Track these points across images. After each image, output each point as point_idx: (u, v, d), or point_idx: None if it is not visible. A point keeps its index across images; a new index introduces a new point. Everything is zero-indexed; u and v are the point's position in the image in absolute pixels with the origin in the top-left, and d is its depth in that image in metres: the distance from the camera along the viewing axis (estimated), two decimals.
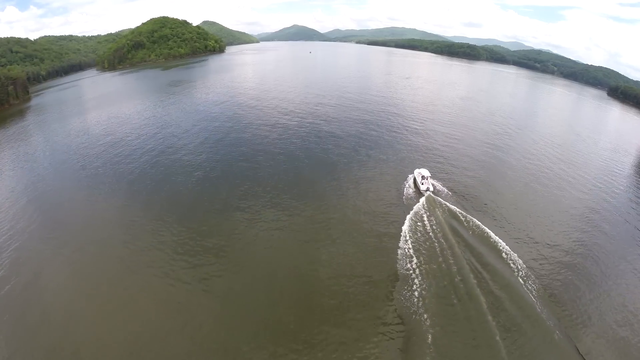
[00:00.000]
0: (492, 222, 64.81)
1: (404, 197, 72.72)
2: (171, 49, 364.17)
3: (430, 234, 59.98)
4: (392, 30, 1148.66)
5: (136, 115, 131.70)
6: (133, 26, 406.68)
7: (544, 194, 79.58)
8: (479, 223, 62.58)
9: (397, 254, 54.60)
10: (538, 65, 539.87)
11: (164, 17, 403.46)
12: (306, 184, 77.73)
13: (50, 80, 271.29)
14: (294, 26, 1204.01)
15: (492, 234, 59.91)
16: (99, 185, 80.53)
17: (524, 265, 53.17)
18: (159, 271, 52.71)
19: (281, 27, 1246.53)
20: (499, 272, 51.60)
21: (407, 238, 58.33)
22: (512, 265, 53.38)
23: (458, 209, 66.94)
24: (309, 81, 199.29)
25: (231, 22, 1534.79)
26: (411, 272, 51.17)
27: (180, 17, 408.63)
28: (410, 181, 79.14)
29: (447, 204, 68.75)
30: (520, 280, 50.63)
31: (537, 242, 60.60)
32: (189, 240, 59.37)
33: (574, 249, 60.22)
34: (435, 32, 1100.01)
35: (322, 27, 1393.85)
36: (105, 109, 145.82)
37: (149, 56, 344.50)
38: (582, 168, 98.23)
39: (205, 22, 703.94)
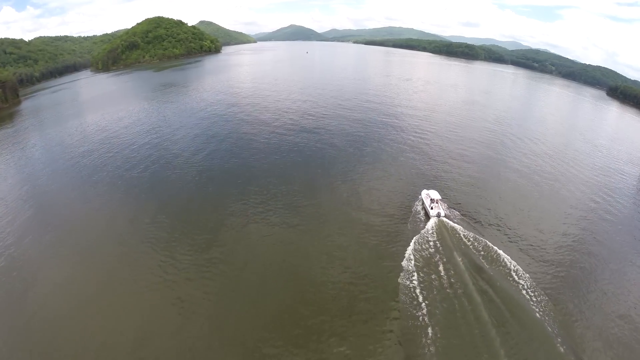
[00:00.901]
0: (505, 243, 60.75)
1: (409, 220, 66.13)
2: (166, 49, 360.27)
3: (437, 256, 56.20)
4: (390, 30, 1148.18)
5: (127, 120, 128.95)
6: (130, 26, 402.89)
7: (560, 215, 72.39)
8: (492, 245, 58.15)
9: (400, 274, 51.56)
10: (536, 64, 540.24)
11: (158, 17, 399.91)
12: (304, 191, 75.26)
13: (44, 82, 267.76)
14: (292, 26, 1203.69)
15: (505, 257, 55.92)
16: (94, 186, 79.97)
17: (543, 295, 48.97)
18: (157, 271, 52.65)
19: (279, 27, 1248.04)
20: (510, 295, 48.79)
21: (412, 258, 55.19)
22: (527, 293, 49.39)
23: (469, 232, 61.81)
24: (305, 85, 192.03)
25: (228, 22, 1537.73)
26: (414, 290, 49.34)
27: (178, 17, 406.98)
28: (419, 206, 70.89)
29: (458, 227, 62.97)
30: (535, 308, 47.02)
31: (553, 264, 56.77)
32: (187, 240, 59.38)
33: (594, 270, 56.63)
34: (432, 32, 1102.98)
35: (320, 27, 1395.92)
36: (93, 113, 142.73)
37: (143, 57, 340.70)
38: (604, 188, 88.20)
39: (202, 22, 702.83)
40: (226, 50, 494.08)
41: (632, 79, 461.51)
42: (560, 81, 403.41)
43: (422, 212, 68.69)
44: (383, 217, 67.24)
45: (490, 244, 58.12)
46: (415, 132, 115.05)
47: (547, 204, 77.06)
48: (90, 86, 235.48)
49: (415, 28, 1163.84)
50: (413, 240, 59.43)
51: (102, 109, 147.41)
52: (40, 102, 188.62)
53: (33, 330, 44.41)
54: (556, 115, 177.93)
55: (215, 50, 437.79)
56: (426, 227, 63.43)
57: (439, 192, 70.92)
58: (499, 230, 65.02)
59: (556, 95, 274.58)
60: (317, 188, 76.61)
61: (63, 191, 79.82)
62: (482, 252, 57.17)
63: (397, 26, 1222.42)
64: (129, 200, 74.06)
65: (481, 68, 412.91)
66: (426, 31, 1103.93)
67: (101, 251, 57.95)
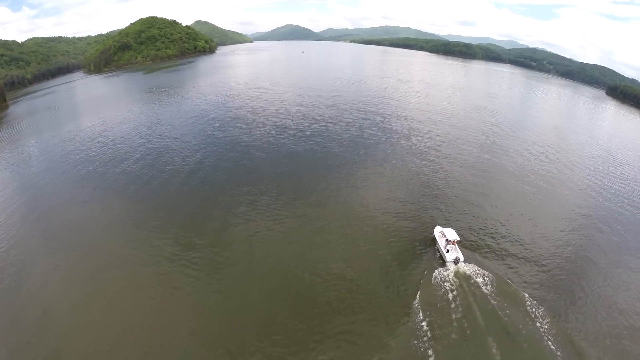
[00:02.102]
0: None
1: (420, 261, 56.23)
2: (159, 50, 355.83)
3: (452, 307, 48.16)
4: (386, 29, 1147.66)
5: (115, 124, 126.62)
6: (125, 27, 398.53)
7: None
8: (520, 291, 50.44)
9: (407, 320, 45.67)
10: (534, 63, 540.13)
11: (152, 17, 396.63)
12: (299, 207, 70.87)
13: (36, 84, 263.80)
14: (288, 25, 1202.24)
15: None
16: (91, 189, 79.30)
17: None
18: (155, 273, 52.55)
19: (275, 27, 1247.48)
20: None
21: (419, 310, 47.33)
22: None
23: (491, 275, 53.09)
24: (299, 88, 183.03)
25: (225, 21, 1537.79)
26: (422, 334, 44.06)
27: (174, 17, 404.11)
28: (433, 247, 59.49)
29: (480, 271, 53.66)
30: None
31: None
32: (184, 243, 59.05)
33: None
34: (429, 31, 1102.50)
35: (316, 27, 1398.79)
36: (76, 120, 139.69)
37: (136, 58, 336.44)
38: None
39: (197, 22, 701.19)
40: (221, 50, 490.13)
41: (630, 77, 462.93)
42: (560, 80, 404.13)
43: (435, 253, 58.34)
44: (389, 252, 57.98)
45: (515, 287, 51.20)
46: (423, 151, 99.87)
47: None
48: (79, 89, 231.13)
49: (412, 27, 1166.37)
50: (421, 289, 50.80)
51: (87, 115, 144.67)
52: (27, 106, 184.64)
53: (29, 333, 44.33)
54: (571, 122, 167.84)
55: (210, 50, 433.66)
56: (440, 273, 53.73)
57: (455, 231, 58.33)
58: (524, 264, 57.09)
59: (566, 97, 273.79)
60: (314, 204, 71.75)
61: (57, 196, 78.83)
62: (507, 306, 48.09)
63: (394, 25, 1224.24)
64: (124, 200, 73.71)
65: (480, 68, 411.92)
66: (423, 30, 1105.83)
67: (98, 252, 57.92)
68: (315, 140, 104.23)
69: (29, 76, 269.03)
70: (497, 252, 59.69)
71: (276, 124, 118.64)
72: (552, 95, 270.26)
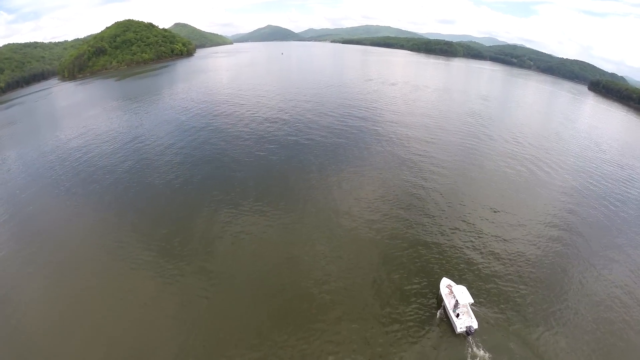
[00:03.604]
0: None
1: (424, 330, 44.80)
2: (134, 54, 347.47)
3: None
4: (367, 28, 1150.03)
5: (87, 134, 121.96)
6: (100, 31, 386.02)
7: None
8: None
9: None
10: (515, 60, 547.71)
11: (128, 21, 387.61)
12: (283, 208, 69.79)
13: (10, 92, 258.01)
14: (268, 26, 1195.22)
15: None
16: (73, 197, 78.44)
17: None
18: (137, 281, 52.26)
19: (255, 28, 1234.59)
20: None
21: None
22: None
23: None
24: (277, 94, 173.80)
25: (205, 23, 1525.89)
26: None
27: (154, 20, 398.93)
28: (440, 310, 47.21)
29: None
30: None
31: None
32: (169, 249, 58.86)
33: None
34: (409, 30, 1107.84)
35: (297, 27, 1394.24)
36: (38, 136, 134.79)
37: (111, 63, 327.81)
38: None
39: (177, 25, 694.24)
40: (200, 53, 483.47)
41: (610, 71, 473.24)
42: (542, 77, 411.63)
43: (437, 314, 47.03)
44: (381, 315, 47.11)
45: None
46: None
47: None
48: (48, 99, 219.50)
49: (392, 26, 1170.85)
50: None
51: (57, 127, 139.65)
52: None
53: (11, 345, 43.87)
54: (568, 125, 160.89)
55: (188, 53, 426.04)
56: (445, 348, 42.61)
57: (467, 289, 46.19)
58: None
59: (553, 95, 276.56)
60: (296, 210, 70.46)
61: (35, 202, 78.19)
62: None
63: (374, 24, 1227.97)
64: (103, 208, 73.29)
65: (463, 66, 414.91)
66: (403, 29, 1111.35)
67: (77, 261, 57.40)
68: (298, 147, 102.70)
69: (2, 84, 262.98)
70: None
71: (255, 130, 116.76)
72: (539, 93, 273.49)
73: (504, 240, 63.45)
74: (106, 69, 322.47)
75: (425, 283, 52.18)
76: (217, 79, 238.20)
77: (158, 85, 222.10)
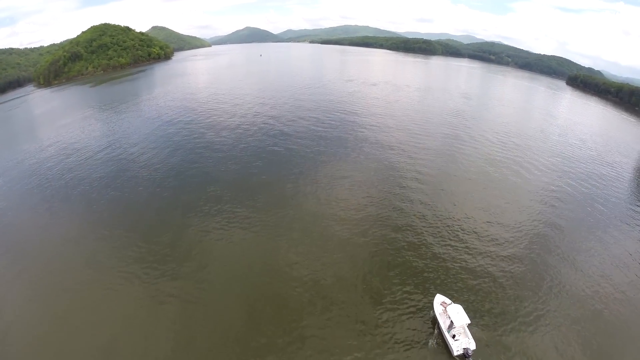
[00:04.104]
0: None
1: (418, 351, 42.59)
2: (110, 59, 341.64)
3: None
4: (346, 28, 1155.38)
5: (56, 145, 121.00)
6: (76, 35, 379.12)
7: None
8: None
9: None
10: (493, 57, 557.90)
11: (104, 25, 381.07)
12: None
13: None
14: (247, 28, 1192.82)
15: None
16: (47, 207, 77.43)
17: None
18: (122, 285, 52.12)
19: (234, 30, 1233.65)
20: None
21: None
22: None
23: None
24: (254, 99, 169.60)
25: (183, 26, 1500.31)
26: None
27: (132, 23, 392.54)
28: (435, 331, 44.79)
29: None
30: None
31: None
32: (150, 254, 58.70)
33: None
34: (388, 29, 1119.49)
35: (275, 28, 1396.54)
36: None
37: (87, 68, 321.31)
38: None
39: (154, 28, 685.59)
40: (178, 56, 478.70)
41: (586, 66, 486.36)
42: (521, 72, 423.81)
43: (433, 334, 44.61)
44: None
45: None
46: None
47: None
48: (26, 106, 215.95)
49: (370, 26, 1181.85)
50: None
51: (33, 136, 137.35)
52: None
53: None
54: (553, 123, 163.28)
55: (166, 57, 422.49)
56: None
57: (463, 309, 43.57)
58: None
59: (533, 91, 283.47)
60: (279, 215, 70.47)
61: (14, 210, 77.34)
62: None
63: (353, 24, 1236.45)
64: (80, 217, 72.26)
65: (443, 64, 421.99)
66: (382, 28, 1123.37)
67: (58, 268, 56.88)
68: (277, 152, 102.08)
69: None
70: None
71: (232, 135, 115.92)
72: (519, 89, 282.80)
73: (498, 244, 63.41)
74: (82, 74, 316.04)
75: (418, 296, 50.28)
76: (194, 83, 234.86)
77: (133, 91, 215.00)
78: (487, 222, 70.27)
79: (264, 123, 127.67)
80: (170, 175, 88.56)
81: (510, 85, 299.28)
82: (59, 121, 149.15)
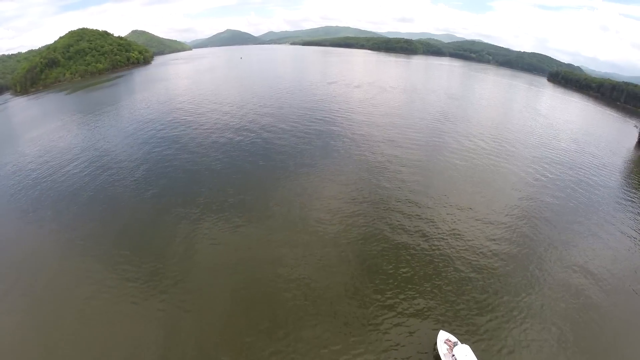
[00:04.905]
0: None
1: None
2: (88, 64, 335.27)
3: None
4: (327, 29, 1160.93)
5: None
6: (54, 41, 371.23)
7: None
8: None
9: None
10: (474, 55, 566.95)
11: (81, 29, 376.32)
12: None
13: None
14: (228, 31, 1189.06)
15: None
16: (29, 216, 76.80)
17: None
18: (109, 298, 51.43)
19: (215, 33, 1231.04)
20: None
21: None
22: None
23: None
24: (234, 104, 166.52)
25: (163, 30, 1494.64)
26: None
27: (112, 28, 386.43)
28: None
29: None
30: None
31: None
32: (136, 264, 58.04)
33: None
34: (369, 29, 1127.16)
35: (256, 30, 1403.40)
36: None
37: (64, 75, 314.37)
38: None
39: (134, 32, 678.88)
40: (158, 60, 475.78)
41: (566, 62, 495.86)
42: (502, 70, 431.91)
43: None
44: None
45: None
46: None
47: None
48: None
49: (351, 26, 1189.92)
50: None
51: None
52: None
53: None
54: (543, 122, 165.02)
55: (145, 61, 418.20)
56: None
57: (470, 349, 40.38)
58: None
59: (516, 88, 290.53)
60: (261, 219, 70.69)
61: None
62: None
63: (334, 25, 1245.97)
64: (66, 226, 71.78)
65: (425, 63, 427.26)
66: (362, 29, 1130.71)
67: (42, 286, 55.39)
68: (260, 158, 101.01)
69: None
70: None
71: (212, 140, 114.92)
72: (503, 87, 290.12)
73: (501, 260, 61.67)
74: (59, 81, 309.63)
75: (416, 327, 46.38)
76: (173, 89, 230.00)
77: (109, 98, 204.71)
78: (477, 219, 72.20)
79: (246, 129, 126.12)
80: (152, 182, 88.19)
81: (494, 83, 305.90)
82: (30, 133, 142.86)
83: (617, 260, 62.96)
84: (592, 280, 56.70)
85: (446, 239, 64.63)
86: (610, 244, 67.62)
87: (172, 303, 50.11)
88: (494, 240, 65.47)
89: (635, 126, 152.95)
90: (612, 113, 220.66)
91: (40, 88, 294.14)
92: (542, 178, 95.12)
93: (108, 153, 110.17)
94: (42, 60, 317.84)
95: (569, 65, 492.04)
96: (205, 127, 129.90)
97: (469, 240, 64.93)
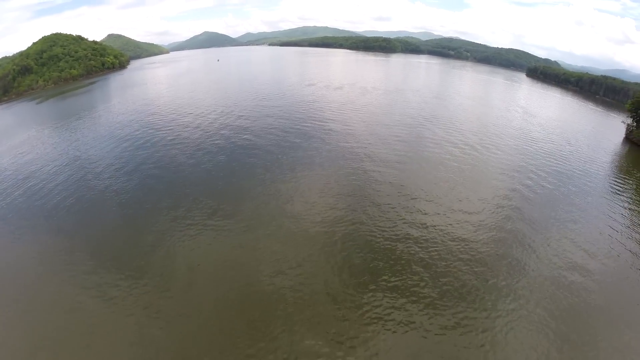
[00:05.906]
0: None
1: None
2: (62, 70, 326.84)
3: None
4: (304, 29, 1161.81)
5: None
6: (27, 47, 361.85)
7: None
8: None
9: None
10: (452, 52, 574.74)
11: (55, 34, 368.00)
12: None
13: None
14: (205, 33, 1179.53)
15: None
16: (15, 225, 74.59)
17: None
18: (95, 307, 50.60)
19: (192, 35, 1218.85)
20: None
21: None
22: None
23: None
24: (211, 108, 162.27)
25: (140, 33, 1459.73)
26: None
27: (87, 32, 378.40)
28: None
29: None
30: None
31: None
32: (115, 275, 56.97)
33: None
34: (347, 29, 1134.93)
35: (234, 32, 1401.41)
36: None
37: (37, 82, 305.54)
38: None
39: (110, 36, 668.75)
40: (135, 64, 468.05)
41: (543, 57, 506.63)
42: (481, 67, 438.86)
43: None
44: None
45: None
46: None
47: None
48: None
49: (329, 26, 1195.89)
50: None
51: None
52: None
53: None
54: (530, 121, 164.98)
55: (121, 66, 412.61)
56: None
57: None
58: None
59: (496, 84, 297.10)
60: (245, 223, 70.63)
61: None
62: None
63: (312, 25, 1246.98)
64: (46, 236, 70.21)
65: (404, 61, 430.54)
66: (340, 28, 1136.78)
67: (23, 295, 54.83)
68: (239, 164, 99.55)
69: None
70: None
71: (190, 146, 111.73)
72: (483, 84, 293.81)
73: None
74: (32, 89, 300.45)
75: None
76: (148, 93, 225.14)
77: (82, 106, 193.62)
78: (463, 212, 73.74)
79: (222, 135, 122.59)
80: (129, 191, 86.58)
81: (474, 80, 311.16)
82: None
83: (606, 248, 65.24)
84: (581, 272, 58.24)
85: (432, 235, 65.39)
86: (600, 232, 70.48)
87: (152, 313, 49.75)
88: (477, 232, 66.92)
89: (623, 122, 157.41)
90: (593, 107, 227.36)
91: (13, 97, 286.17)
92: (531, 174, 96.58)
93: (83, 164, 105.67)
94: (14, 67, 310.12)
95: (546, 60, 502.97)
96: (181, 136, 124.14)
97: (453, 233, 66.23)
